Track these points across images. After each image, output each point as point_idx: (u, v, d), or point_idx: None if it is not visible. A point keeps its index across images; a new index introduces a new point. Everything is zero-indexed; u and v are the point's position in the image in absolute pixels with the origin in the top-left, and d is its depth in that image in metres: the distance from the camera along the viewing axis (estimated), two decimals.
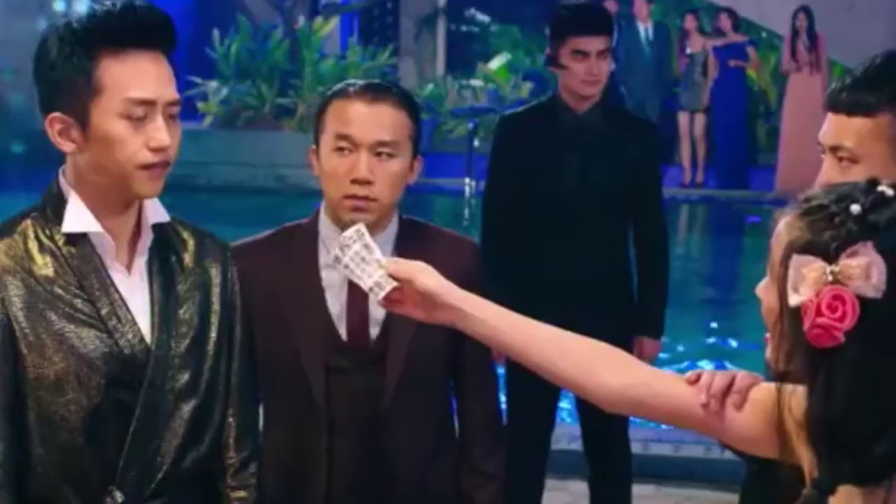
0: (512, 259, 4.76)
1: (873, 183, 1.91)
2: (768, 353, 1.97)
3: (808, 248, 1.85)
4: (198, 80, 16.97)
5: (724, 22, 15.78)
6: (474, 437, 3.22)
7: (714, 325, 9.87)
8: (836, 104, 2.63)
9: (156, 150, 2.45)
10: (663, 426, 7.19)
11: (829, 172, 2.61)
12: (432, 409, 3.17)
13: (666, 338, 5.03)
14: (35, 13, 18.81)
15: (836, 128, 2.63)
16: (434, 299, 2.35)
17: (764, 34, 17.12)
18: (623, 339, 4.81)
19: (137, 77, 2.43)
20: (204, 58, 17.30)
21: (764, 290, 1.97)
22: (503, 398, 4.91)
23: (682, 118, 15.90)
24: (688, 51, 15.81)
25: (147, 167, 2.46)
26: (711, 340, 9.32)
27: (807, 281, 1.83)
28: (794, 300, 1.85)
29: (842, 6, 15.49)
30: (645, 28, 15.86)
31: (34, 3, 18.82)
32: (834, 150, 2.63)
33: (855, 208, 1.85)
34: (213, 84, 17.03)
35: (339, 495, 3.09)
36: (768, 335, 1.97)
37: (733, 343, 9.21)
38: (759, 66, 16.58)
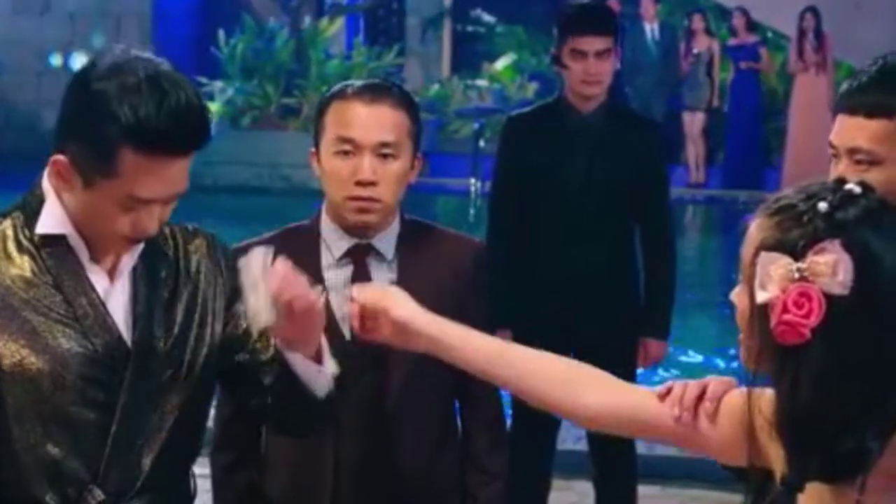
0: (517, 259, 4.76)
1: (841, 181, 1.92)
2: (742, 354, 1.98)
3: (775, 246, 1.86)
4: (203, 79, 16.97)
5: (738, 20, 15.75)
6: (478, 437, 3.23)
7: (720, 325, 9.86)
8: (854, 106, 2.57)
9: (141, 232, 2.43)
10: None
11: (846, 176, 2.58)
12: (436, 408, 3.18)
13: (671, 338, 5.01)
14: (40, 12, 18.82)
15: (854, 130, 2.57)
16: (408, 327, 2.34)
17: (770, 34, 17.10)
18: (629, 339, 4.82)
19: (153, 179, 2.35)
20: (209, 57, 17.31)
21: (738, 294, 1.97)
22: (508, 398, 4.92)
23: (687, 118, 15.90)
24: (694, 50, 15.80)
25: (126, 238, 2.44)
26: (717, 341, 9.29)
27: (773, 278, 1.84)
28: (761, 297, 1.86)
29: (848, 5, 15.47)
30: (651, 28, 15.85)
31: (39, 2, 18.84)
32: (851, 152, 2.58)
33: (822, 206, 1.86)
34: (219, 84, 17.03)
35: (346, 495, 3.10)
36: (741, 337, 1.97)
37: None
38: (771, 67, 16.56)
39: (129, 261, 2.50)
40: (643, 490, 5.13)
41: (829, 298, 1.81)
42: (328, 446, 3.07)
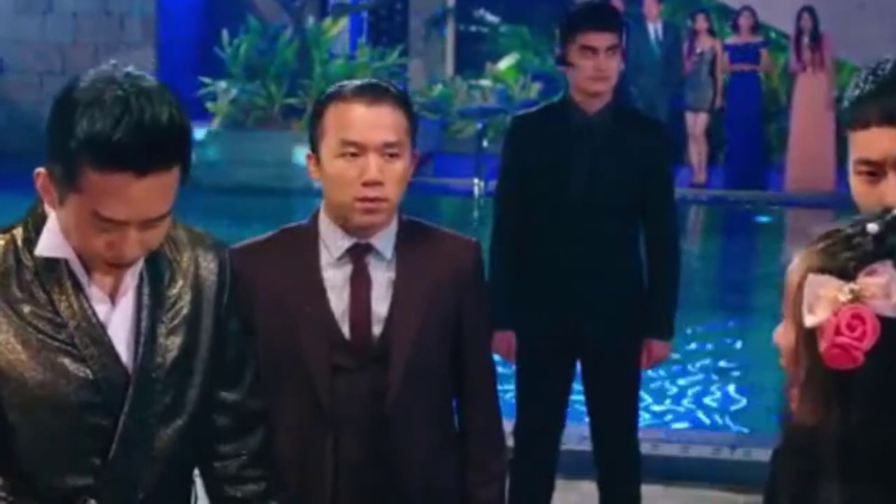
0: (522, 259, 4.76)
1: (887, 209, 1.87)
2: (794, 406, 1.88)
3: (824, 271, 1.81)
4: (207, 80, 16.97)
5: (745, 20, 15.73)
6: (476, 436, 3.23)
7: (723, 325, 9.86)
8: (892, 114, 2.35)
9: (118, 257, 2.33)
10: (672, 426, 7.19)
11: None
12: (436, 407, 3.18)
13: (675, 339, 5.00)
14: (43, 11, 18.83)
15: None
16: None
17: (773, 34, 17.09)
18: (633, 340, 4.81)
19: (115, 200, 2.23)
20: (213, 57, 17.31)
21: (782, 333, 1.89)
22: (514, 398, 4.92)
23: (690, 118, 15.89)
24: (697, 50, 15.79)
25: (107, 262, 2.35)
26: (720, 340, 9.29)
27: (822, 301, 1.78)
28: (809, 321, 1.80)
29: (851, 5, 15.46)
30: (654, 28, 15.83)
31: (42, 2, 18.84)
32: None
33: (872, 227, 1.81)
34: (223, 84, 17.02)
35: (346, 495, 3.10)
36: (788, 385, 1.89)
37: (742, 343, 9.19)
38: (770, 67, 16.54)
39: (130, 281, 2.44)
40: (646, 490, 5.12)
41: (881, 321, 1.76)
42: (328, 446, 3.07)
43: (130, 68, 2.31)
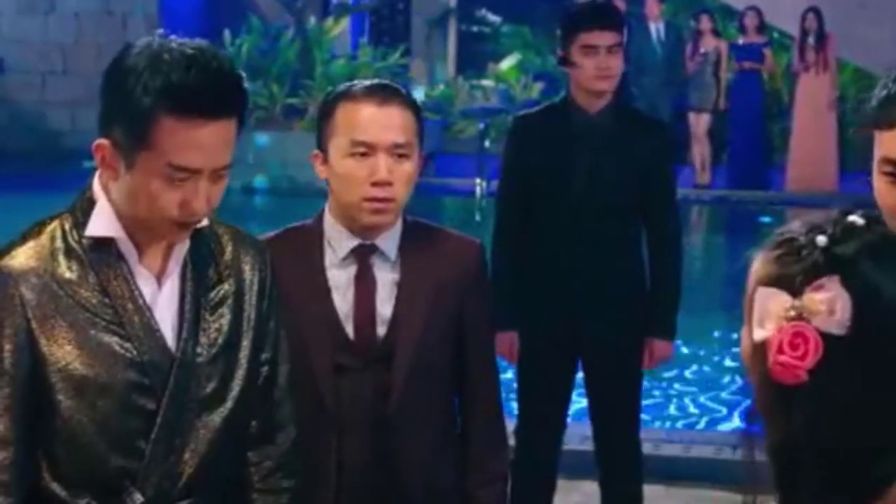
0: (524, 260, 4.76)
1: (845, 213, 1.82)
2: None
3: (775, 281, 1.78)
4: None
5: (750, 20, 15.72)
6: (478, 436, 3.23)
7: (725, 325, 9.86)
8: None
9: (190, 213, 2.40)
10: (674, 426, 7.19)
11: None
12: (438, 407, 3.19)
13: (678, 339, 5.00)
14: (45, 11, 18.83)
15: None
16: None
17: (776, 34, 17.10)
18: (635, 340, 4.81)
19: (190, 146, 2.34)
20: None
21: (743, 332, 1.87)
22: (515, 399, 4.92)
23: (692, 118, 15.89)
24: (701, 50, 15.79)
25: (176, 222, 2.41)
26: (722, 340, 9.29)
27: (770, 315, 1.76)
28: (758, 335, 1.78)
29: (852, 6, 15.46)
30: (656, 27, 15.84)
31: (44, 2, 18.85)
32: None
33: (821, 239, 1.76)
34: None
35: (348, 494, 3.10)
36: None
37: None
38: (774, 67, 16.55)
39: (175, 265, 2.50)
40: (648, 490, 5.12)
41: (826, 338, 1.72)
42: (331, 446, 3.08)
43: (173, 35, 2.43)
